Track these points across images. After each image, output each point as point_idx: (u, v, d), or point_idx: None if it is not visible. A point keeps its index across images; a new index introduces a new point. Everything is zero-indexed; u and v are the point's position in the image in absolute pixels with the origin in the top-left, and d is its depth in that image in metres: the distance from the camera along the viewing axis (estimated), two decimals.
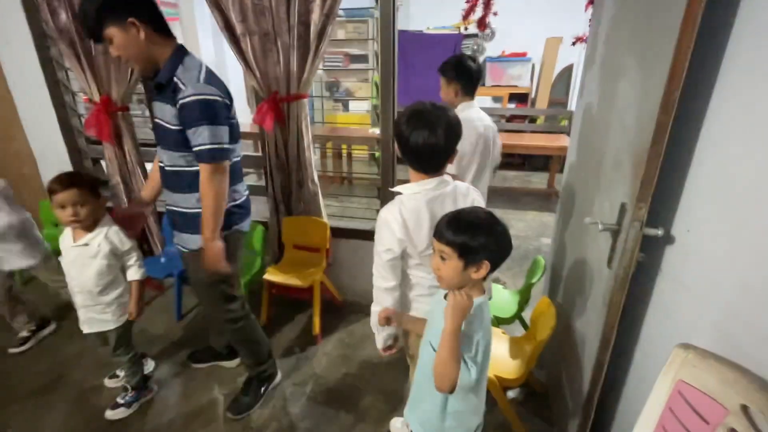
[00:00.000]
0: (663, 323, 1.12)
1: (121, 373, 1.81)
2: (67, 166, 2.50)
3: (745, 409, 0.75)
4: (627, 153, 1.09)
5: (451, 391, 0.94)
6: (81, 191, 1.43)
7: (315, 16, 1.81)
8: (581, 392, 1.31)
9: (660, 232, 1.04)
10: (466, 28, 2.28)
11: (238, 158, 1.51)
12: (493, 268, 0.95)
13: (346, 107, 5.52)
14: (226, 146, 1.34)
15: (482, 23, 2.43)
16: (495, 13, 2.44)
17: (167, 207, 1.51)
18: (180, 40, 1.37)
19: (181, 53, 1.33)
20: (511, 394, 1.79)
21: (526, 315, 1.97)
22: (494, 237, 0.93)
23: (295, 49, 1.87)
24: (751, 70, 0.84)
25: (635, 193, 1.00)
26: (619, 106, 1.21)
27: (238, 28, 1.89)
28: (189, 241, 1.48)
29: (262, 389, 1.79)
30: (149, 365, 1.95)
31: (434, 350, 0.97)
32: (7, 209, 1.91)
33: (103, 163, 2.54)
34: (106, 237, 1.50)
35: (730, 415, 0.77)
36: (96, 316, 1.58)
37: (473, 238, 0.92)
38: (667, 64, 0.88)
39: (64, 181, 1.43)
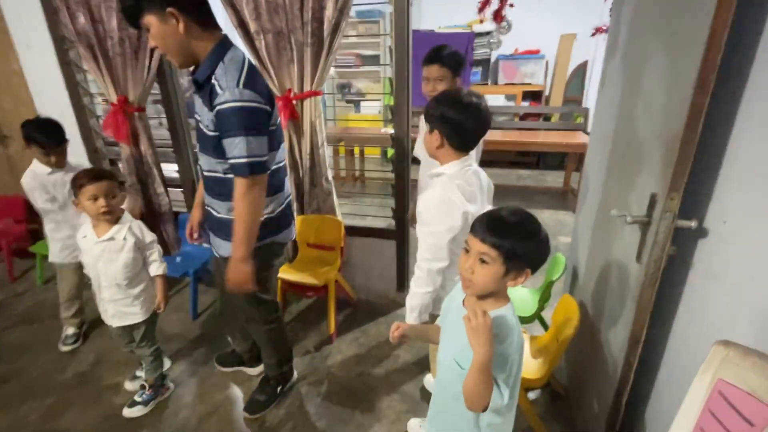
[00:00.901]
0: (696, 320, 1.07)
1: (140, 374, 1.82)
2: (86, 166, 2.53)
3: None
4: (656, 141, 1.04)
5: (484, 410, 0.88)
6: (111, 183, 1.48)
7: (329, 12, 1.80)
8: (608, 394, 1.26)
9: (693, 224, 0.99)
10: (481, 22, 2.23)
11: (280, 164, 1.42)
12: (530, 275, 0.89)
13: (357, 108, 5.52)
14: (264, 158, 1.23)
15: (498, 15, 2.38)
16: (511, 5, 2.39)
17: (207, 207, 1.46)
18: None
19: (222, 48, 1.22)
20: (531, 395, 1.74)
21: (546, 314, 1.92)
22: (540, 243, 0.87)
23: (309, 46, 1.86)
24: None
25: (667, 183, 0.95)
26: (645, 93, 1.16)
27: (252, 26, 1.89)
28: (220, 246, 1.43)
29: (279, 389, 1.77)
30: (165, 364, 1.95)
31: (459, 366, 0.91)
32: None
33: (119, 163, 2.57)
34: (130, 230, 1.54)
35: None
36: (125, 309, 1.60)
37: (521, 243, 0.85)
38: (701, 43, 0.84)
39: (93, 173, 1.47)
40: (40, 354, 2.07)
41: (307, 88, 1.96)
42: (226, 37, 1.26)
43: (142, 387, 1.77)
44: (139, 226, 1.58)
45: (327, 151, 2.14)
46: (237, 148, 1.18)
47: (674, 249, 1.04)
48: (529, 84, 4.98)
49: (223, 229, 1.39)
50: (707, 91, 0.85)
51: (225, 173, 1.30)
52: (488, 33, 4.70)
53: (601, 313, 1.40)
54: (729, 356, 0.83)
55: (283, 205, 1.47)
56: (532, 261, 0.87)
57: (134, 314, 1.61)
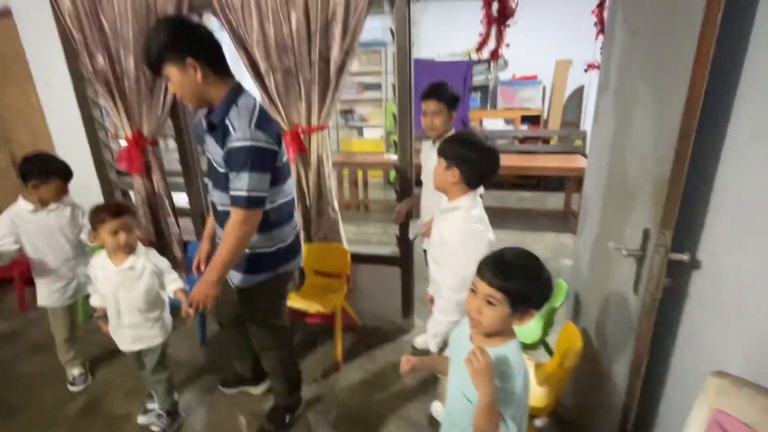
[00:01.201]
0: (694, 349, 1.11)
1: (153, 406, 1.85)
2: (99, 198, 2.62)
3: None
4: (646, 179, 1.10)
5: None
6: (129, 218, 1.56)
7: (335, 53, 1.91)
8: (612, 421, 1.28)
9: (686, 257, 1.05)
10: (479, 60, 2.36)
11: (288, 198, 1.49)
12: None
13: (360, 133, 5.66)
14: (264, 194, 1.32)
15: (495, 55, 2.51)
16: (507, 45, 2.51)
17: (218, 240, 1.53)
18: None
19: (236, 94, 1.31)
20: (538, 422, 1.75)
21: (550, 340, 1.95)
22: (544, 284, 0.91)
23: (316, 84, 1.97)
24: None
25: (658, 219, 1.01)
26: (635, 132, 1.23)
27: (262, 66, 2.00)
28: (236, 278, 1.50)
29: (288, 417, 1.79)
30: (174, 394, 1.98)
31: (467, 399, 0.95)
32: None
33: (131, 193, 2.65)
34: (147, 258, 1.62)
35: None
36: (145, 333, 1.66)
37: (527, 286, 0.89)
38: (683, 93, 0.91)
39: (113, 209, 1.54)
40: (52, 384, 2.09)
41: (314, 122, 2.05)
42: (239, 84, 1.36)
43: (159, 416, 1.79)
44: (154, 254, 1.67)
45: (333, 180, 2.21)
46: (241, 181, 1.27)
47: (669, 281, 1.09)
48: (528, 108, 5.11)
49: (246, 262, 1.46)
50: (689, 139, 0.92)
51: None
52: (487, 60, 4.87)
53: (603, 341, 1.43)
54: (724, 386, 0.87)
55: (292, 236, 1.55)
56: (537, 302, 0.92)
57: (154, 336, 1.67)
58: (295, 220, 1.58)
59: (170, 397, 1.80)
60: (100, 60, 2.22)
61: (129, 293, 1.59)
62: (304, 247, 2.25)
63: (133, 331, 1.65)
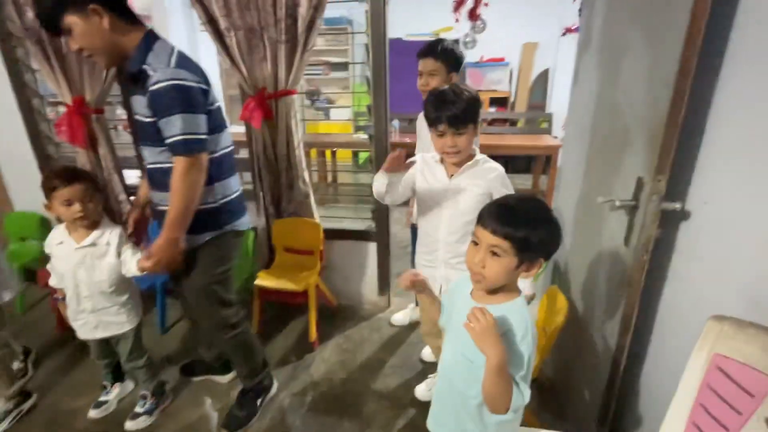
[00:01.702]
0: (683, 301, 1.10)
1: (106, 398, 1.69)
2: (36, 175, 2.33)
3: None
4: (639, 127, 1.07)
5: (507, 412, 0.82)
6: (87, 185, 1.36)
7: (303, 10, 1.76)
8: (599, 380, 1.26)
9: (678, 205, 1.02)
10: (456, 21, 2.22)
11: (228, 149, 1.39)
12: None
13: (327, 116, 5.48)
14: (203, 136, 1.22)
15: (473, 14, 2.44)
16: (486, 4, 2.45)
17: (154, 207, 1.40)
18: None
19: (150, 39, 1.21)
20: None
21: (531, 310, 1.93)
22: (553, 229, 0.83)
23: (283, 43, 1.81)
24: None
25: (653, 166, 0.98)
26: (623, 82, 1.19)
27: (222, 23, 1.81)
28: (187, 240, 1.34)
29: (258, 401, 1.67)
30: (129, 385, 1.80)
31: (469, 360, 0.86)
32: None
33: None
34: (112, 233, 1.42)
35: None
36: (111, 319, 1.48)
37: (535, 232, 0.80)
38: (681, 30, 0.87)
39: (66, 175, 1.34)
40: None
41: (281, 86, 1.90)
42: (152, 30, 1.25)
43: (143, 397, 1.64)
44: (120, 230, 1.46)
45: (302, 151, 2.07)
46: (174, 126, 1.16)
47: (660, 232, 1.07)
48: (495, 90, 5.14)
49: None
50: (689, 74, 0.88)
51: (171, 160, 1.24)
52: (455, 40, 4.82)
53: (589, 302, 1.41)
54: (724, 330, 0.85)
55: (238, 192, 1.44)
56: (546, 250, 0.84)
57: (121, 323, 1.50)
58: (237, 178, 1.46)
59: (154, 379, 1.66)
60: (31, 14, 1.94)
61: (90, 273, 1.40)
62: (274, 223, 2.14)
63: (95, 317, 1.46)
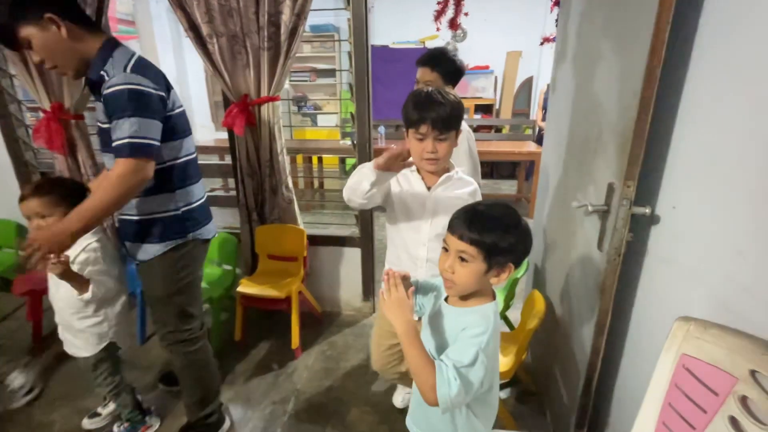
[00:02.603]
0: (654, 303, 1.12)
1: (103, 411, 1.64)
2: (13, 181, 2.29)
3: (753, 374, 0.74)
4: (610, 134, 1.10)
5: (436, 404, 0.79)
6: (44, 201, 1.27)
7: (285, 17, 1.78)
8: (577, 382, 1.28)
9: (647, 210, 1.05)
10: (437, 30, 2.26)
11: (191, 156, 1.35)
12: (514, 270, 0.87)
13: (314, 122, 5.49)
14: (152, 142, 1.15)
15: (454, 23, 2.48)
16: (466, 14, 2.49)
17: (118, 216, 1.35)
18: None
19: (111, 46, 1.18)
20: (502, 394, 1.74)
21: (511, 316, 1.96)
22: (522, 236, 0.84)
23: (266, 50, 1.82)
24: (726, 40, 0.86)
25: (623, 172, 1.00)
26: (596, 91, 1.23)
27: (204, 30, 1.82)
28: (141, 251, 1.31)
29: None
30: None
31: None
32: None
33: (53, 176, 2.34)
34: (76, 250, 1.29)
35: (740, 383, 0.76)
36: (70, 338, 1.42)
37: (503, 238, 0.81)
38: (646, 42, 0.90)
39: (29, 189, 1.30)
40: None
41: (264, 93, 1.90)
42: (113, 37, 1.22)
43: (119, 419, 1.59)
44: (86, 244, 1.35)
45: (285, 157, 2.07)
46: (121, 129, 1.11)
47: (631, 236, 1.09)
48: (480, 98, 5.21)
49: (142, 232, 1.29)
50: (654, 84, 0.91)
51: None
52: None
53: (567, 306, 1.44)
54: (690, 330, 0.87)
55: (201, 199, 1.39)
56: (515, 255, 0.85)
57: (77, 347, 1.42)
58: (201, 186, 1.41)
59: (129, 405, 1.56)
60: None
61: (55, 289, 1.36)
62: (257, 229, 2.12)
63: (62, 332, 1.43)
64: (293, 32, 1.80)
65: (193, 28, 1.83)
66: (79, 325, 1.38)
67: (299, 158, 4.13)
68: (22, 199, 1.29)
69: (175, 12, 1.81)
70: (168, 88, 1.24)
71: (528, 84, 5.28)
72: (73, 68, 1.18)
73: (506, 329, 1.95)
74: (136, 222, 1.29)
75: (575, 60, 1.42)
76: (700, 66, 0.94)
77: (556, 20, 1.78)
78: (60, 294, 1.36)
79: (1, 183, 2.27)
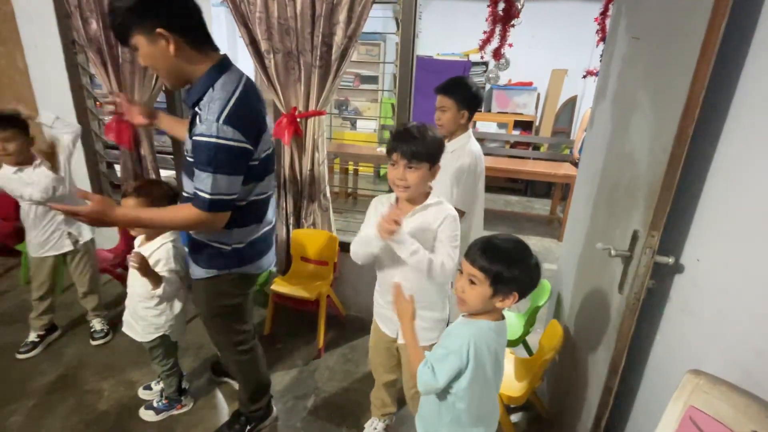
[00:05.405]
0: (671, 350, 1.14)
1: (155, 403, 1.77)
2: (83, 169, 2.54)
3: None
4: (640, 183, 1.13)
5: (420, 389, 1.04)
6: (140, 201, 1.45)
7: (338, 38, 1.89)
8: (588, 418, 1.32)
9: (671, 260, 1.08)
10: (482, 58, 2.35)
11: (264, 195, 1.33)
12: (519, 299, 0.98)
13: (353, 125, 5.64)
14: (230, 197, 1.17)
15: (497, 54, 2.52)
16: (510, 45, 2.54)
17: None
18: None
19: (217, 72, 1.15)
20: (514, 417, 1.78)
21: (532, 339, 1.99)
22: (528, 270, 0.96)
23: (317, 68, 1.95)
24: (764, 104, 0.89)
25: (648, 222, 1.04)
26: (632, 138, 1.26)
27: (263, 45, 1.97)
28: (191, 267, 1.38)
29: (248, 428, 1.65)
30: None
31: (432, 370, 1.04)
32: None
33: (116, 167, 2.59)
34: (161, 249, 1.49)
35: None
36: (128, 320, 1.64)
37: (508, 269, 0.93)
38: (682, 99, 0.94)
39: (131, 188, 1.50)
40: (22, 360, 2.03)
41: (312, 107, 2.03)
42: (223, 59, 1.19)
43: (161, 394, 1.77)
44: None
45: (326, 168, 2.20)
46: (203, 182, 1.13)
47: (653, 282, 1.12)
48: (521, 114, 5.18)
49: (192, 250, 1.35)
50: (684, 143, 0.94)
51: None
52: (485, 63, 4.91)
53: (584, 339, 1.47)
54: (700, 384, 0.90)
55: (257, 235, 1.37)
56: (520, 286, 0.96)
57: (136, 333, 1.61)
58: (268, 219, 1.41)
59: (172, 386, 1.73)
60: (94, 25, 2.15)
61: (135, 276, 1.49)
62: (293, 233, 2.26)
63: (127, 315, 1.64)
64: (344, 53, 1.92)
65: (253, 43, 1.99)
66: (142, 312, 1.56)
67: (336, 165, 4.26)
68: (123, 195, 1.49)
69: (239, 28, 1.97)
70: (260, 131, 1.20)
71: (572, 103, 5.19)
72: (173, 82, 1.19)
73: (524, 353, 1.98)
74: (191, 239, 1.35)
75: (614, 102, 1.45)
76: (732, 128, 0.97)
77: (601, 55, 1.80)
78: (137, 281, 1.51)
79: (73, 171, 2.52)
